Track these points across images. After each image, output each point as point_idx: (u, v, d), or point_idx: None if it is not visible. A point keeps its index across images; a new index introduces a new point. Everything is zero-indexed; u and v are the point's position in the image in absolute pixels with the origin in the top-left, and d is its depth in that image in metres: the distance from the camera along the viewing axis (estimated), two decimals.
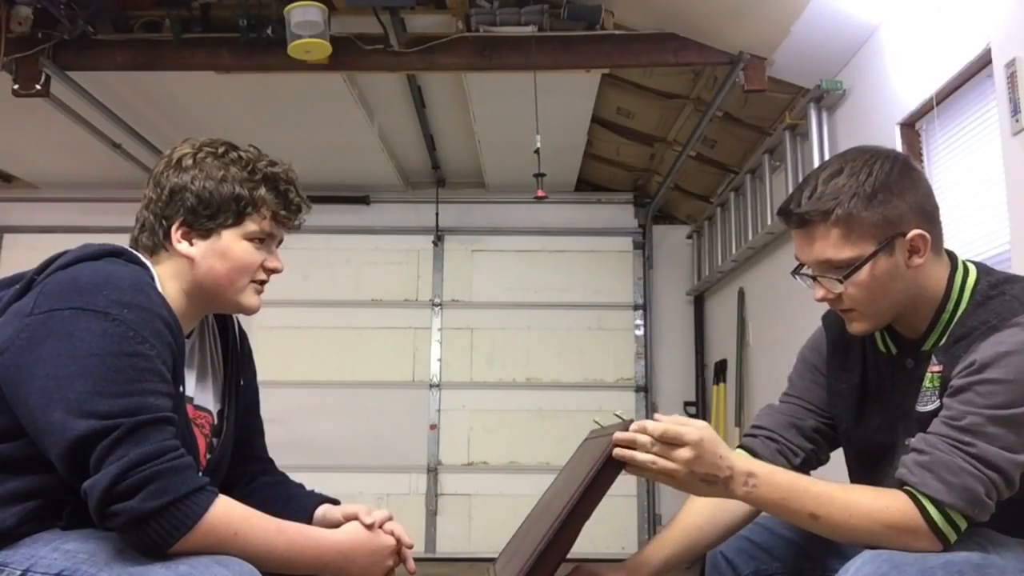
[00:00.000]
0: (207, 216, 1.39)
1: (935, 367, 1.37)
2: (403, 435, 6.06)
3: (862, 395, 1.51)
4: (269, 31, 3.89)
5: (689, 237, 6.25)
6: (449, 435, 6.10)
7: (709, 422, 6.00)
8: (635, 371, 6.17)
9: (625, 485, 6.00)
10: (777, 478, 1.31)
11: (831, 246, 1.36)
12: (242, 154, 1.44)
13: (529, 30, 3.98)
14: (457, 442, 6.08)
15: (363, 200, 6.32)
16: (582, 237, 6.33)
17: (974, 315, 1.35)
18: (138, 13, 4.08)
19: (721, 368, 5.62)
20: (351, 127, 5.07)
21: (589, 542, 5.96)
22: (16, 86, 4.00)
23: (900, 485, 1.28)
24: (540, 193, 4.08)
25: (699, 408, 6.04)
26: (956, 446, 1.25)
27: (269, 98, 4.67)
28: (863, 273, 1.35)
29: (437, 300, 6.27)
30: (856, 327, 1.43)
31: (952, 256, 1.45)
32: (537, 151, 3.97)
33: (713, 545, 1.56)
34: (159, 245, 1.40)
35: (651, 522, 5.95)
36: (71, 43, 3.97)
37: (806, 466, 1.57)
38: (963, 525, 1.24)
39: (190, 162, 1.41)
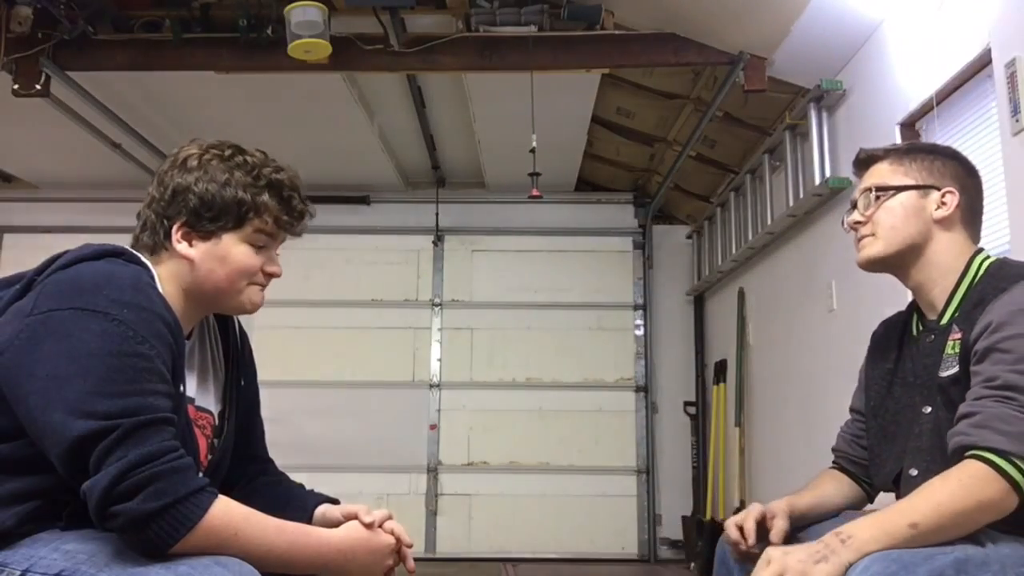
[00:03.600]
0: (209, 218, 1.38)
1: (955, 335, 1.45)
2: (403, 435, 6.06)
3: (893, 377, 1.61)
4: (269, 31, 3.89)
5: (689, 237, 6.25)
6: (449, 435, 6.10)
7: (709, 422, 5.94)
8: (635, 371, 6.17)
9: (625, 485, 6.00)
10: (861, 520, 1.30)
11: (880, 175, 1.60)
12: (248, 158, 1.42)
13: (529, 30, 3.98)
14: (457, 442, 6.08)
15: (363, 200, 6.32)
16: (582, 237, 6.33)
17: (984, 285, 1.46)
18: (138, 13, 4.08)
19: (721, 368, 5.62)
20: (351, 127, 5.07)
21: (589, 542, 5.99)
22: (16, 86, 4.01)
23: (961, 452, 1.31)
24: (535, 192, 4.10)
25: (699, 408, 6.03)
26: (1002, 401, 1.29)
27: (269, 98, 4.67)
28: (895, 199, 1.56)
29: (437, 300, 6.27)
30: (866, 252, 1.59)
31: (980, 248, 1.58)
32: (533, 151, 3.98)
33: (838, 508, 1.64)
34: (160, 245, 1.40)
35: (651, 522, 5.95)
36: (71, 43, 3.97)
37: (858, 459, 1.69)
38: None
39: (195, 163, 1.40)
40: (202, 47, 4.08)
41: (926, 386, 1.49)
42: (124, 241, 1.42)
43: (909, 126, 3.20)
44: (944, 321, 1.50)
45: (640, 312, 6.24)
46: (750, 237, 4.79)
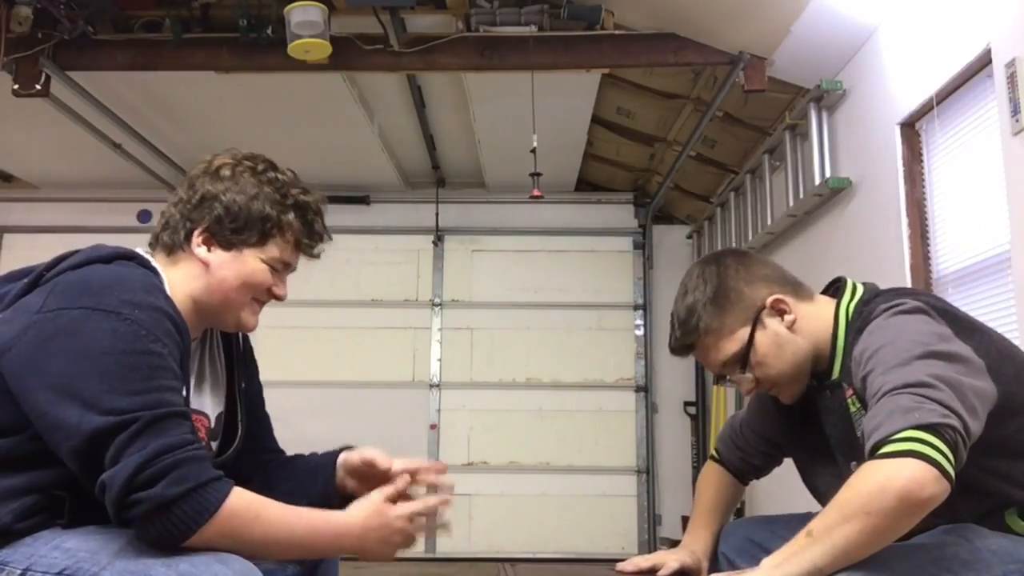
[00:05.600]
0: (231, 229, 1.40)
1: (848, 392, 1.44)
2: (403, 435, 6.05)
3: (802, 437, 1.62)
4: (269, 31, 3.89)
5: (689, 237, 6.25)
6: (449, 435, 6.10)
7: (709, 422, 5.92)
8: (635, 371, 6.17)
9: (625, 485, 6.00)
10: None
11: (716, 352, 1.53)
12: (279, 176, 1.45)
13: (529, 30, 3.98)
14: (457, 442, 6.08)
15: (363, 200, 6.32)
16: (582, 237, 6.33)
17: (851, 330, 1.46)
18: (138, 13, 4.08)
19: None
20: (351, 127, 5.07)
21: (589, 542, 5.99)
22: (16, 86, 4.01)
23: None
24: (536, 192, 4.10)
25: (699, 408, 6.04)
26: (873, 405, 1.28)
27: (269, 98, 4.67)
28: (754, 355, 1.51)
29: (437, 300, 6.27)
30: (784, 397, 1.57)
31: (839, 286, 1.56)
32: (533, 151, 3.98)
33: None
34: (178, 245, 1.41)
35: (651, 522, 5.95)
36: (71, 43, 3.97)
37: (745, 474, 1.86)
38: (935, 441, 1.17)
39: (228, 173, 1.42)
40: (202, 47, 4.09)
41: (847, 444, 1.45)
42: (123, 241, 1.44)
43: (909, 126, 3.21)
44: (835, 375, 1.49)
45: (640, 312, 6.24)
46: (750, 237, 4.79)
